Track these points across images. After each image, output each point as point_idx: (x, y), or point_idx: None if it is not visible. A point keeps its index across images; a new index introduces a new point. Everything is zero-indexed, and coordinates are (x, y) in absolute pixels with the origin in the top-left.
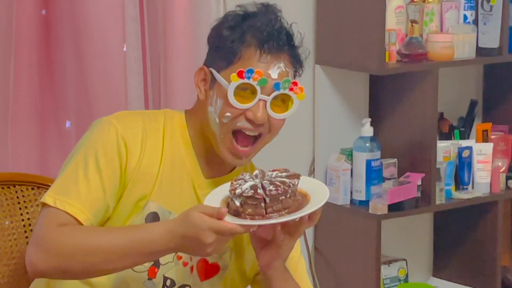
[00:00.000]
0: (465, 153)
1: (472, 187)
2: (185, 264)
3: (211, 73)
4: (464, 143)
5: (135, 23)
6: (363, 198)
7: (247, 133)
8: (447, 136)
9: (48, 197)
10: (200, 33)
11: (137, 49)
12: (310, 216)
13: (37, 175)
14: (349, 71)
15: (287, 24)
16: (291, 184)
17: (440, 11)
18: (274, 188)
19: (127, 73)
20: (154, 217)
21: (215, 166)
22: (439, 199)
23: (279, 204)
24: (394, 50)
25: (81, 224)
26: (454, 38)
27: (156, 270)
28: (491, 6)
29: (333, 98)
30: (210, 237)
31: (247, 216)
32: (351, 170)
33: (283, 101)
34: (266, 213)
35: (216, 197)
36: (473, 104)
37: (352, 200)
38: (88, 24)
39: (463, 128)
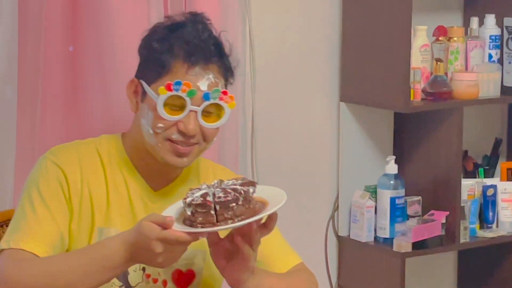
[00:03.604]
0: (490, 192)
1: (497, 226)
2: (155, 281)
3: (142, 85)
4: (488, 181)
5: None
6: (387, 236)
7: (179, 146)
8: (471, 174)
9: (2, 243)
10: None
11: None
12: (265, 224)
13: None
14: (374, 109)
15: (216, 32)
16: (242, 191)
17: (465, 49)
18: (223, 195)
19: None
20: None
21: (160, 178)
22: (464, 238)
23: (231, 212)
24: (419, 88)
25: (39, 257)
26: (479, 77)
27: None
28: None
29: (358, 135)
30: (158, 247)
31: (198, 225)
32: (375, 207)
33: (215, 111)
34: (217, 221)
35: (175, 208)
36: (497, 142)
37: (376, 238)
38: (115, 60)
39: (488, 167)
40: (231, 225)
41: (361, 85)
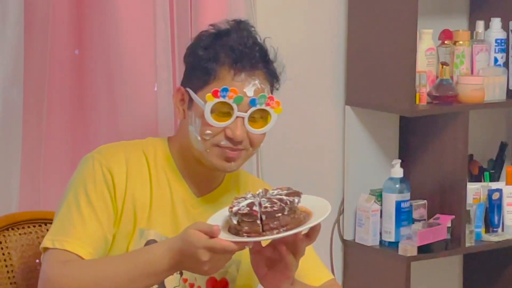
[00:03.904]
0: (495, 196)
1: (502, 230)
2: (191, 286)
3: (188, 93)
4: (494, 185)
5: (166, 65)
6: (393, 240)
7: (228, 151)
8: (477, 178)
9: (46, 241)
10: None
11: (168, 89)
12: (308, 234)
13: None
14: (379, 112)
15: (260, 39)
16: (288, 201)
17: (470, 53)
18: (269, 205)
19: (158, 112)
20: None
21: (203, 184)
22: (469, 242)
23: (276, 222)
24: (425, 92)
25: (82, 259)
26: (485, 81)
27: None
28: None
29: (363, 139)
30: (204, 255)
31: (244, 234)
32: (381, 211)
33: (261, 116)
34: (263, 231)
35: (219, 216)
36: (503, 146)
37: (381, 241)
38: (120, 64)
39: (493, 170)
40: (278, 235)
41: (367, 89)
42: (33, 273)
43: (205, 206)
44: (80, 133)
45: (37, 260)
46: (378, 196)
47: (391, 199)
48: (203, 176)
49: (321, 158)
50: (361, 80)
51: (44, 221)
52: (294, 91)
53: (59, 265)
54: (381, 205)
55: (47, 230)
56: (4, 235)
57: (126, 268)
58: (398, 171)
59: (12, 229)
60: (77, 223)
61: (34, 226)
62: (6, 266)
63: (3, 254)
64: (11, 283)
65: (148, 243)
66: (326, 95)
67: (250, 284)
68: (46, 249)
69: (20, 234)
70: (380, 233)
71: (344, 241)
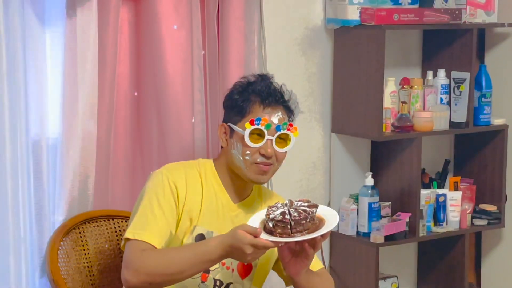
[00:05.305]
0: (441, 199)
1: (446, 224)
2: (227, 268)
3: (230, 127)
4: (440, 191)
5: (201, 103)
6: (366, 231)
7: (262, 166)
8: (427, 186)
9: (128, 233)
10: None
11: (202, 120)
12: (323, 234)
13: (129, 211)
14: (356, 138)
15: (279, 85)
16: (310, 212)
17: (423, 95)
18: (297, 215)
19: (194, 137)
20: (201, 237)
21: (239, 194)
22: (422, 232)
23: (301, 226)
24: (389, 123)
25: (155, 248)
26: (433, 115)
27: (207, 275)
28: (461, 92)
29: (345, 157)
30: (249, 250)
31: (277, 235)
32: (357, 210)
33: (283, 140)
34: (291, 233)
35: (257, 219)
36: (447, 162)
37: (357, 232)
38: (168, 103)
39: (440, 180)
40: (304, 237)
41: (347, 120)
42: (103, 255)
43: (240, 210)
44: (137, 154)
45: (106, 245)
46: (355, 199)
47: (364, 201)
48: (239, 187)
49: (313, 172)
50: (343, 114)
51: (112, 217)
52: (294, 122)
53: (139, 253)
54: (357, 205)
55: (114, 224)
56: (82, 227)
57: (188, 256)
58: (370, 181)
59: (89, 222)
60: (151, 221)
61: (104, 221)
62: (84, 250)
63: (82, 241)
64: (87, 262)
65: (198, 236)
66: (317, 125)
67: (266, 267)
68: (127, 239)
69: (94, 226)
70: (357, 226)
71: (330, 232)
